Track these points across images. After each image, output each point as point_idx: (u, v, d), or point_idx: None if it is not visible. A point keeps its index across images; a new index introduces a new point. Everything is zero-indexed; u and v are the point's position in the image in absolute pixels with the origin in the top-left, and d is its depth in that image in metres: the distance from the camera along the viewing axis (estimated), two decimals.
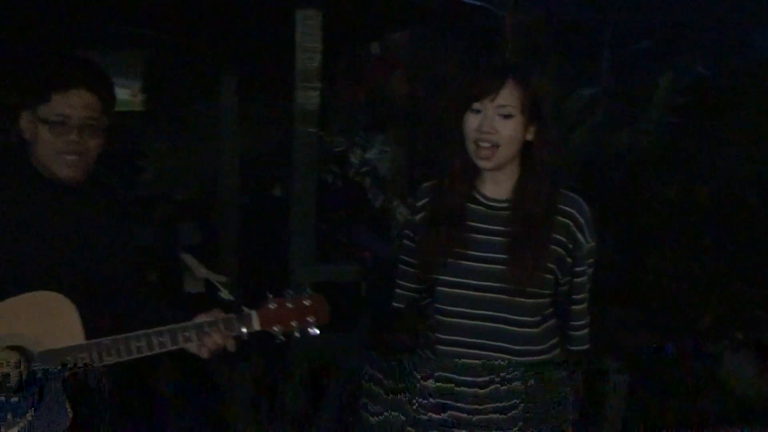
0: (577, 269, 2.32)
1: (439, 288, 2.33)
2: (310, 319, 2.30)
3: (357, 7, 3.74)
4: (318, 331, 2.32)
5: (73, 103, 2.19)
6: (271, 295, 2.30)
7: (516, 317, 2.27)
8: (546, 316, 2.35)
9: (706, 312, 4.72)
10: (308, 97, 3.44)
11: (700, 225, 4.99)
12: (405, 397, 2.40)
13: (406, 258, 2.50)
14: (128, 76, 4.99)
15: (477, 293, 2.27)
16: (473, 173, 2.32)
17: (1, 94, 4.56)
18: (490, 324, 2.28)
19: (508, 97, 2.20)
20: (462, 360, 2.32)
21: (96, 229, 2.35)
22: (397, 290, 2.54)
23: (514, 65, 2.42)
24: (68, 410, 2.23)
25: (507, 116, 2.20)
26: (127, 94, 5.03)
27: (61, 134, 2.19)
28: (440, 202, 2.34)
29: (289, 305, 2.30)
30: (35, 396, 2.21)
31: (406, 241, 2.50)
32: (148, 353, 2.24)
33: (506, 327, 2.28)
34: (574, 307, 2.38)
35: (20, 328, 2.18)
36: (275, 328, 2.29)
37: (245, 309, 2.28)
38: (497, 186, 2.31)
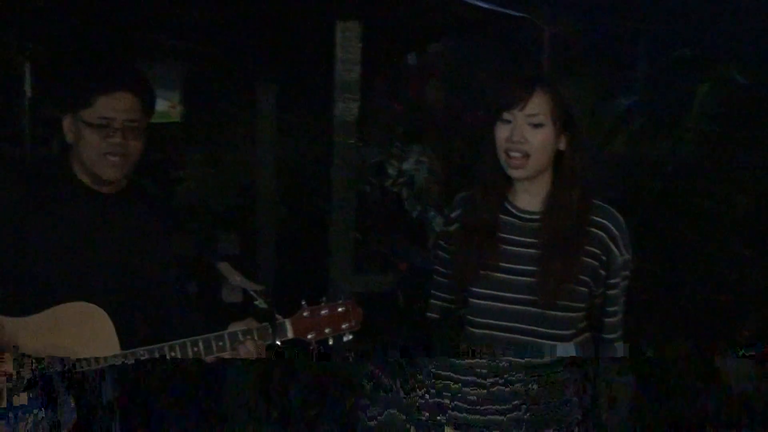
0: (611, 281, 2.30)
1: (471, 299, 2.33)
2: (344, 326, 2.33)
3: (397, 18, 3.75)
4: (351, 337, 2.34)
5: (117, 106, 2.23)
6: (304, 303, 2.33)
7: (548, 330, 2.25)
8: (580, 330, 2.33)
9: (745, 323, 4.67)
10: (347, 108, 3.45)
11: (739, 235, 4.94)
12: (406, 396, 2.39)
13: (440, 268, 2.51)
14: (167, 88, 5.04)
15: (508, 305, 2.25)
16: (505, 184, 2.31)
17: (43, 103, 4.67)
18: (521, 337, 2.26)
19: (538, 106, 2.20)
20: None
21: (134, 238, 2.38)
22: (432, 300, 2.55)
23: (543, 74, 2.42)
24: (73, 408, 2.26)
25: (537, 125, 2.20)
26: (166, 106, 5.07)
27: (105, 136, 2.23)
28: (473, 214, 2.34)
29: (323, 313, 2.32)
30: (44, 395, 2.24)
31: (440, 252, 2.51)
32: None
33: (539, 341, 2.26)
34: (607, 319, 2.36)
35: (58, 338, 2.22)
36: (309, 336, 2.31)
37: (279, 317, 2.31)
38: (530, 197, 2.30)
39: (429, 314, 2.56)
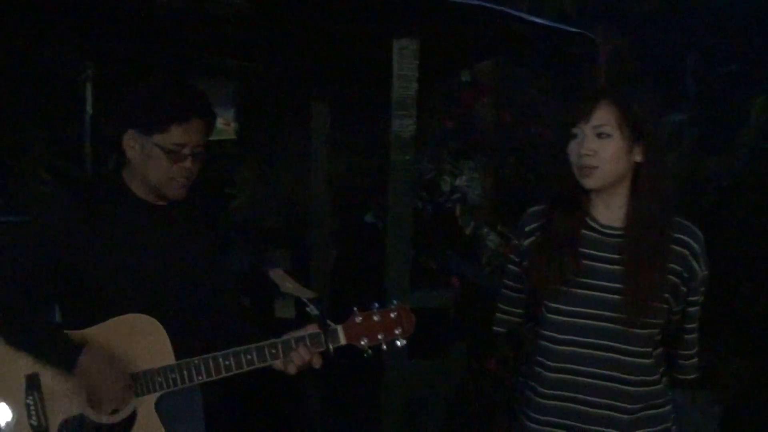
0: (692, 299, 2.28)
1: (551, 315, 2.29)
2: (397, 332, 2.32)
3: (453, 35, 3.76)
4: (405, 342, 2.32)
5: (190, 134, 2.28)
6: (356, 310, 2.32)
7: (629, 347, 2.24)
8: (656, 345, 2.31)
9: None
10: (404, 125, 3.45)
11: None
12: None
13: (510, 282, 2.48)
14: (222, 106, 5.09)
15: (590, 321, 2.24)
16: (585, 198, 2.30)
17: (105, 122, 4.76)
18: (603, 353, 2.25)
19: (603, 117, 2.19)
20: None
21: (188, 250, 2.41)
22: (498, 315, 2.53)
23: (608, 87, 2.42)
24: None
25: (604, 136, 2.19)
26: (220, 123, 5.12)
27: (176, 161, 2.27)
28: (554, 228, 2.30)
29: (376, 318, 2.31)
30: (130, 417, 2.27)
31: (510, 266, 2.47)
32: (237, 371, 2.28)
33: (620, 357, 2.25)
34: (686, 336, 2.34)
35: (115, 351, 2.24)
36: (362, 342, 2.30)
37: (331, 324, 2.30)
38: (609, 212, 2.28)
39: (495, 329, 2.55)
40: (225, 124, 5.08)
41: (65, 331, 2.26)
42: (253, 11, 3.81)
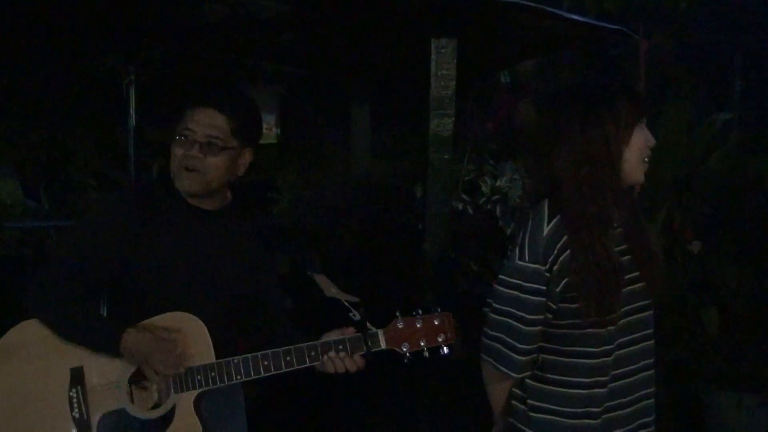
0: None
1: (597, 330, 2.09)
2: (440, 339, 2.28)
3: (491, 34, 3.76)
4: (447, 350, 2.29)
5: (199, 120, 2.26)
6: (398, 315, 2.30)
7: (652, 331, 2.23)
8: None
9: None
10: (442, 124, 3.46)
11: None
12: None
13: (531, 317, 2.07)
14: (264, 111, 5.13)
15: (632, 317, 2.16)
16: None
17: (148, 128, 4.84)
18: (645, 344, 2.22)
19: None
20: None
21: (233, 252, 2.42)
22: (523, 359, 2.10)
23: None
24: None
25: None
26: (263, 128, 5.16)
27: (185, 148, 2.27)
28: (594, 252, 2.04)
29: (418, 325, 2.29)
30: (169, 414, 2.30)
31: (531, 297, 2.06)
32: (276, 372, 2.28)
33: (650, 343, 2.23)
34: None
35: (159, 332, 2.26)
36: (403, 348, 2.28)
37: (371, 328, 2.29)
38: None
39: (513, 374, 2.14)
40: (267, 129, 5.09)
41: (110, 322, 2.30)
42: (295, 16, 3.85)
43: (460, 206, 5.08)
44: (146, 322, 2.28)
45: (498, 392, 2.25)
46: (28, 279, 2.29)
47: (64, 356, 2.28)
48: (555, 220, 2.07)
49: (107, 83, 5.00)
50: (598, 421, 2.13)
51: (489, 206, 5.11)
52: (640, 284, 2.16)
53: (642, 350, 2.20)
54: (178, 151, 2.28)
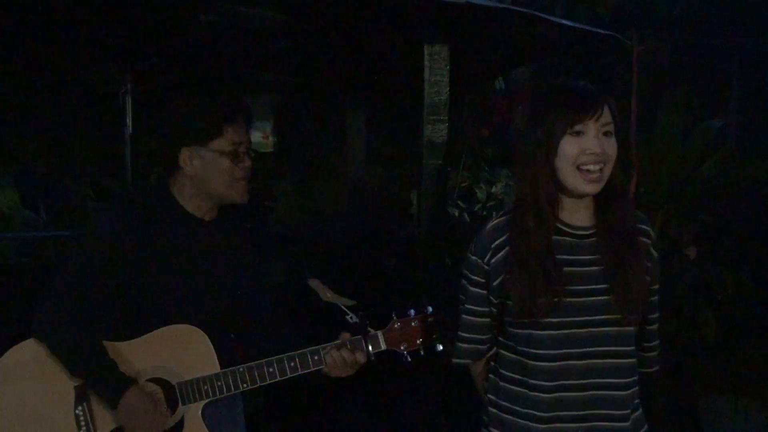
0: (653, 287, 2.19)
1: (540, 332, 2.11)
2: (435, 336, 2.34)
3: (484, 40, 3.77)
4: (442, 347, 2.34)
5: (241, 132, 2.33)
6: (395, 316, 2.35)
7: (621, 348, 2.12)
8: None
9: None
10: (436, 130, 3.47)
11: None
12: None
13: (472, 307, 2.17)
14: (260, 119, 5.15)
15: (583, 330, 2.09)
16: (557, 203, 2.11)
17: (147, 137, 4.85)
18: (599, 361, 2.09)
19: (607, 115, 2.03)
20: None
21: (231, 263, 2.44)
22: (461, 345, 2.24)
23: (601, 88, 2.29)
24: None
25: (609, 134, 2.04)
26: (259, 137, 5.19)
27: (238, 162, 2.32)
28: (528, 240, 2.09)
29: (414, 324, 2.34)
30: (178, 425, 2.30)
31: (473, 288, 2.15)
32: (281, 378, 2.30)
33: (614, 361, 2.11)
34: (649, 327, 2.24)
35: (161, 360, 2.30)
36: (402, 347, 2.33)
37: (371, 330, 2.33)
38: (578, 213, 2.14)
39: (457, 361, 2.26)
40: (263, 138, 5.13)
41: (110, 344, 2.30)
42: (289, 24, 3.87)
43: (456, 213, 5.09)
44: (148, 336, 2.30)
45: (473, 373, 2.32)
46: (36, 306, 2.30)
47: (67, 375, 2.30)
48: (501, 218, 2.15)
49: (104, 93, 5.02)
50: (544, 426, 2.12)
51: (485, 212, 5.12)
52: (605, 297, 2.09)
53: (596, 367, 2.12)
54: (227, 166, 2.31)
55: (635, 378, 2.16)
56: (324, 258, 5.33)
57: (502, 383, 2.20)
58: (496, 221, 2.16)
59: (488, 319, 2.16)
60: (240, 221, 2.53)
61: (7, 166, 6.48)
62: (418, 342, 2.34)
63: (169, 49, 4.42)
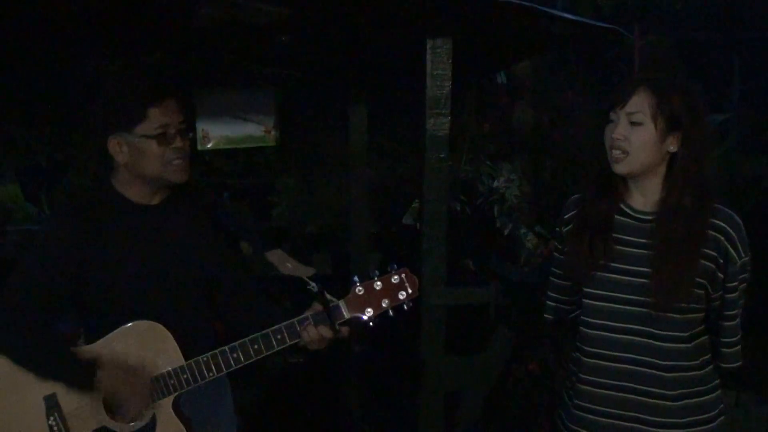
0: (729, 285, 2.27)
1: (585, 300, 2.34)
2: (401, 296, 2.30)
3: (486, 34, 3.77)
4: (411, 305, 2.30)
5: (169, 112, 2.31)
6: (356, 280, 2.31)
7: (661, 332, 2.24)
8: (698, 332, 2.31)
9: None
10: (438, 123, 3.47)
11: None
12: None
13: (555, 270, 2.56)
14: (262, 113, 5.14)
15: (621, 306, 2.26)
16: (621, 185, 2.31)
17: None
18: (634, 338, 2.26)
19: (638, 104, 2.22)
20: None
21: (182, 248, 2.43)
22: (548, 302, 2.60)
23: (648, 76, 2.41)
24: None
25: (636, 123, 2.21)
26: (261, 131, 5.16)
27: (167, 143, 2.30)
28: (587, 213, 2.35)
29: (377, 286, 2.30)
30: (151, 423, 2.32)
31: (555, 254, 2.56)
32: (247, 362, 2.31)
33: (651, 341, 2.25)
34: (726, 323, 2.33)
35: (127, 359, 2.29)
36: (367, 312, 2.29)
37: (332, 299, 2.30)
38: (644, 198, 2.31)
39: (545, 315, 2.61)
40: (265, 132, 5.11)
41: (73, 350, 2.30)
42: (291, 18, 3.86)
43: (458, 206, 5.10)
44: (109, 337, 2.30)
45: (558, 339, 2.96)
46: None
47: (35, 386, 2.28)
48: (577, 195, 2.48)
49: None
50: (584, 387, 2.38)
51: (486, 207, 5.13)
52: (643, 280, 2.20)
53: (637, 344, 2.26)
54: (156, 150, 2.29)
55: (684, 363, 2.28)
56: (327, 252, 5.34)
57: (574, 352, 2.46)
58: (575, 196, 2.49)
59: (569, 283, 2.49)
60: (191, 200, 2.50)
61: (9, 160, 6.49)
62: (383, 304, 2.29)
63: (171, 43, 4.41)
